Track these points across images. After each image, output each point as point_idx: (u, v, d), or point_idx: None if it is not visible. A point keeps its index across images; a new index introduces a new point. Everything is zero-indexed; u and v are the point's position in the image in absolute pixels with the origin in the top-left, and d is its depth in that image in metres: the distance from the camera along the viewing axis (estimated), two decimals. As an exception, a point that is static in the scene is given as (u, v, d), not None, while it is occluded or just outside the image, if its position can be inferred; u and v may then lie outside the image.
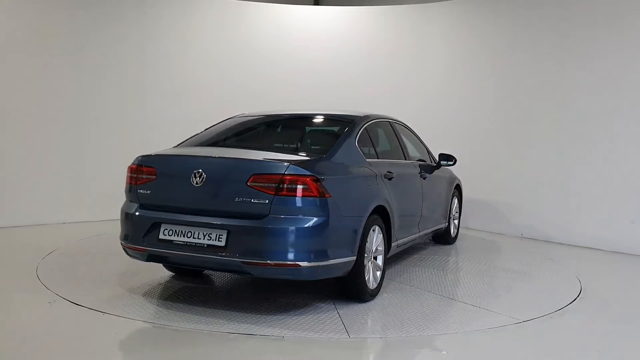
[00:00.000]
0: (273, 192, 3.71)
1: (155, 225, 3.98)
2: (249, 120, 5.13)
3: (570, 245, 7.05)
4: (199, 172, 3.89)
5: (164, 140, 5.75)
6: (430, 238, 6.72)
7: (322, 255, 3.80)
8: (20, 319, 3.90)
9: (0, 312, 4.02)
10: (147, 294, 4.40)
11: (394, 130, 5.48)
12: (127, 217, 4.16)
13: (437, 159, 6.15)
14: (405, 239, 5.14)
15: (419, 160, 5.87)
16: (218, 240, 3.77)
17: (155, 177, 4.08)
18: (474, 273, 5.48)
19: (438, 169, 6.10)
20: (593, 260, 6.42)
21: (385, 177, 4.63)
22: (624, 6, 6.66)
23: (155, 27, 8.06)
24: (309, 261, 3.74)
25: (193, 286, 4.71)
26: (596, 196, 6.89)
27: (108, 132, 7.66)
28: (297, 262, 3.71)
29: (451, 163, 6.08)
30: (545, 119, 7.36)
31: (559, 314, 4.33)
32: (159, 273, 5.02)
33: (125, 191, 4.28)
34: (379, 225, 4.43)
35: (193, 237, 3.84)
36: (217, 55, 8.41)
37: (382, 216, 4.51)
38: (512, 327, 4.01)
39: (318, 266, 3.80)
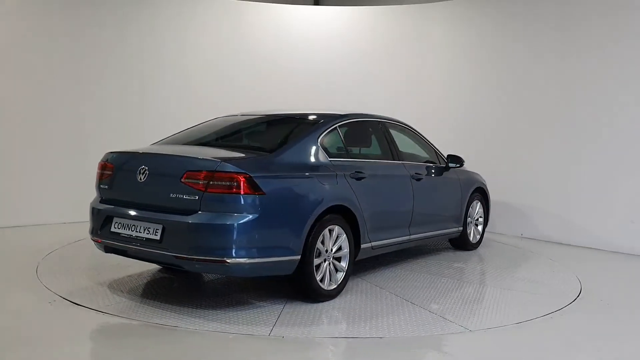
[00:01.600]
0: (203, 189, 3.79)
1: (108, 219, 4.21)
2: (227, 120, 5.21)
3: (570, 245, 7.05)
4: (143, 168, 4.07)
5: (164, 140, 5.73)
6: (450, 243, 6.56)
7: (251, 252, 3.83)
8: (20, 319, 3.90)
9: (1, 312, 4.02)
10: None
11: (383, 130, 5.38)
12: (90, 211, 4.44)
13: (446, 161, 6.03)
14: (386, 241, 5.02)
15: (427, 161, 5.79)
16: (155, 234, 3.91)
17: (111, 173, 4.34)
18: (470, 281, 5.25)
19: (447, 170, 5.96)
20: (593, 260, 6.42)
21: (351, 177, 4.56)
22: (625, 2, 6.65)
23: (154, 27, 8.06)
24: (235, 258, 3.77)
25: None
26: (596, 196, 6.89)
27: (108, 132, 7.65)
28: (223, 259, 3.76)
29: (457, 165, 5.98)
30: (545, 118, 7.36)
31: (559, 314, 4.33)
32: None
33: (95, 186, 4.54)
34: (340, 226, 4.40)
35: (136, 231, 4.02)
36: (217, 55, 8.41)
37: (348, 217, 4.49)
38: (512, 327, 4.01)
39: (246, 263, 3.82)
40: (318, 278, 4.22)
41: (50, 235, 6.42)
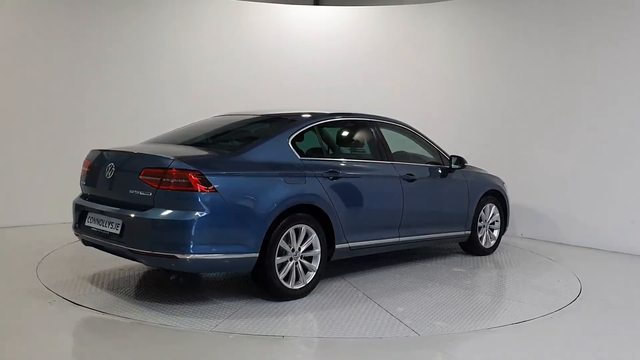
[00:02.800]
0: (157, 186, 3.90)
1: (84, 214, 4.45)
2: (216, 120, 5.25)
3: (570, 245, 7.05)
4: (110, 165, 4.28)
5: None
6: (460, 247, 6.34)
7: (202, 249, 3.88)
8: (20, 319, 3.90)
9: (1, 312, 4.02)
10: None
11: (372, 130, 5.32)
12: (72, 206, 4.65)
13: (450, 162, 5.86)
14: (369, 243, 4.98)
15: (430, 162, 5.71)
16: (116, 229, 4.07)
17: (88, 169, 4.58)
18: (460, 285, 5.01)
19: (451, 172, 5.81)
20: (593, 260, 6.42)
21: (324, 177, 4.55)
22: (626, 1, 6.66)
23: (154, 27, 8.06)
24: (185, 254, 3.84)
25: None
26: (596, 196, 6.89)
27: (108, 132, 7.65)
28: (173, 254, 3.84)
29: (458, 166, 5.81)
30: (545, 118, 7.37)
31: (559, 314, 4.34)
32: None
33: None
34: (310, 225, 4.41)
35: (102, 225, 4.21)
36: (217, 55, 8.41)
37: (321, 216, 4.49)
38: (512, 327, 4.01)
39: (197, 259, 3.88)
40: (281, 277, 4.23)
41: (50, 235, 6.41)
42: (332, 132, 5.13)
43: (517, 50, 7.66)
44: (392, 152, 5.57)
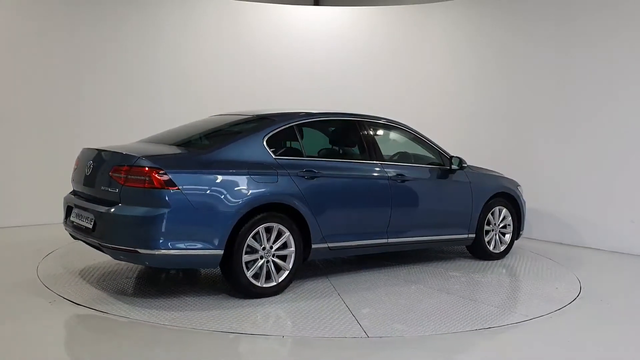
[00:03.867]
0: (123, 182, 4.06)
1: (70, 209, 4.65)
2: (206, 120, 5.28)
3: (570, 245, 7.05)
4: (90, 162, 4.46)
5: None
6: (468, 251, 6.13)
7: (163, 244, 3.97)
8: (20, 319, 3.90)
9: (1, 312, 4.02)
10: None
11: (361, 130, 5.25)
12: (63, 201, 4.85)
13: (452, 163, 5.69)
14: (352, 243, 4.94)
15: (431, 164, 5.60)
16: (90, 223, 4.27)
17: (76, 167, 4.78)
18: (446, 290, 4.82)
19: (452, 173, 5.65)
20: (593, 260, 6.42)
21: (299, 176, 4.54)
22: None
23: (154, 28, 8.05)
24: (147, 249, 3.97)
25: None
26: (596, 196, 6.89)
27: (107, 132, 7.65)
28: (135, 249, 3.99)
29: (457, 167, 5.65)
30: (545, 117, 7.36)
31: (559, 314, 4.34)
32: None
33: None
34: (284, 224, 4.42)
35: (81, 220, 4.41)
36: (216, 56, 8.41)
37: (297, 215, 4.50)
38: (512, 327, 4.01)
39: (159, 254, 3.98)
40: (249, 274, 4.26)
41: (50, 235, 6.41)
42: (314, 132, 5.13)
43: (517, 50, 7.66)
44: (392, 152, 5.53)
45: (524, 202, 6.38)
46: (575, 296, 4.80)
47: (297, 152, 4.82)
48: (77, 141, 7.50)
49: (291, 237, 4.46)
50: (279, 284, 4.44)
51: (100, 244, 4.16)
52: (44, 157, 7.30)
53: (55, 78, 7.38)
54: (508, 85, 7.77)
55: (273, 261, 4.41)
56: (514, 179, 6.42)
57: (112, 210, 4.07)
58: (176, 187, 3.98)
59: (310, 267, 5.41)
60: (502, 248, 6.14)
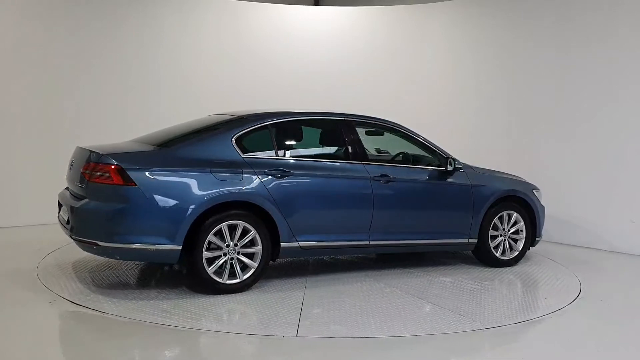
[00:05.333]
0: (88, 178, 4.30)
1: (60, 205, 4.85)
2: (198, 120, 5.29)
3: (570, 245, 7.04)
4: (72, 160, 4.72)
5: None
6: (475, 257, 5.83)
7: (121, 238, 4.16)
8: (20, 319, 3.90)
9: (1, 312, 4.02)
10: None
11: (344, 130, 5.18)
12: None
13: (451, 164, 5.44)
14: (327, 243, 4.89)
15: (428, 165, 5.44)
16: (66, 217, 4.52)
17: (69, 164, 4.90)
18: (418, 295, 4.65)
19: (450, 174, 5.43)
20: (593, 260, 6.42)
21: (267, 174, 4.56)
22: None
23: (153, 27, 8.05)
24: (105, 242, 4.17)
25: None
26: (596, 196, 6.88)
27: (107, 132, 7.63)
28: (95, 241, 4.20)
29: (451, 168, 5.40)
30: (544, 117, 7.36)
31: (559, 314, 4.34)
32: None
33: None
34: (249, 222, 4.45)
35: (64, 214, 4.61)
36: (216, 56, 8.40)
37: (263, 214, 4.53)
38: (512, 327, 4.01)
39: (116, 248, 4.18)
40: (210, 271, 4.34)
41: (50, 235, 6.41)
42: (293, 131, 5.14)
43: (517, 50, 7.65)
44: (382, 152, 5.47)
45: (542, 207, 6.03)
46: (575, 296, 4.80)
47: (270, 152, 4.83)
48: (77, 141, 7.48)
49: (257, 235, 4.49)
50: (243, 281, 4.48)
51: (70, 236, 4.42)
52: (44, 157, 7.30)
53: (55, 78, 7.37)
54: (508, 85, 7.77)
55: (239, 259, 4.47)
56: (531, 183, 6.13)
57: (78, 204, 4.33)
58: (133, 184, 4.14)
59: (303, 265, 5.41)
60: (513, 255, 5.81)
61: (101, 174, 4.20)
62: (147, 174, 4.21)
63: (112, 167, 4.16)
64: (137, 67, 7.93)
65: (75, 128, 7.52)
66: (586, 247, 6.91)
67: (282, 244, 4.63)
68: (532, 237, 5.94)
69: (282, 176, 4.65)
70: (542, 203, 6.07)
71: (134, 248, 4.18)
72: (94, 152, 4.38)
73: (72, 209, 4.37)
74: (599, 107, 6.85)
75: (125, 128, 7.75)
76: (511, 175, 6.11)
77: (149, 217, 4.19)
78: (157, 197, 4.19)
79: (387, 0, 9.34)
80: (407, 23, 8.76)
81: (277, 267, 5.34)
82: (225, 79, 8.40)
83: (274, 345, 3.57)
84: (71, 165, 4.72)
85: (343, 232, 4.98)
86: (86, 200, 4.31)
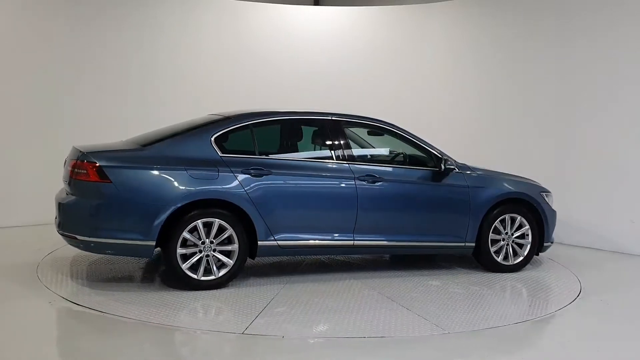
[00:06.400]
0: (71, 175, 4.51)
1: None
2: (189, 120, 5.31)
3: (570, 245, 7.04)
4: (66, 159, 4.80)
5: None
6: (477, 261, 5.59)
7: (97, 233, 4.36)
8: (20, 319, 3.90)
9: (1, 312, 4.02)
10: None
11: (330, 129, 5.16)
12: None
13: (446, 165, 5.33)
14: (308, 242, 4.86)
15: (421, 165, 5.31)
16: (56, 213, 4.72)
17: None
18: (392, 298, 4.54)
19: (444, 175, 5.28)
20: (593, 260, 6.42)
21: (243, 173, 4.61)
22: None
23: (153, 27, 8.04)
24: (83, 235, 4.38)
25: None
26: (596, 196, 6.88)
27: (107, 132, 7.63)
28: (74, 235, 4.43)
29: (441, 169, 5.27)
30: (544, 117, 7.36)
31: (559, 314, 4.34)
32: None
33: None
34: (225, 220, 4.51)
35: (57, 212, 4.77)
36: (216, 56, 8.40)
37: (241, 212, 4.57)
38: (512, 327, 4.01)
39: (93, 242, 4.37)
40: (185, 266, 4.44)
41: (50, 235, 6.40)
42: (273, 131, 5.19)
43: (518, 50, 7.65)
44: (372, 152, 5.46)
45: (551, 211, 5.74)
46: (575, 296, 4.80)
47: (250, 151, 4.87)
48: (76, 141, 7.49)
49: (234, 233, 4.55)
50: (218, 278, 4.55)
51: (58, 231, 4.62)
52: (44, 157, 7.29)
53: (55, 78, 7.37)
54: (509, 85, 7.76)
55: (216, 256, 4.53)
56: (540, 185, 5.87)
57: (64, 200, 4.58)
58: (109, 181, 4.32)
59: (294, 265, 5.42)
60: (517, 260, 5.54)
61: (82, 171, 4.40)
62: (122, 171, 4.38)
63: (90, 164, 4.36)
64: (137, 67, 7.93)
65: (75, 128, 7.51)
66: (586, 247, 6.91)
67: (260, 243, 4.67)
68: (540, 242, 5.65)
69: (260, 175, 4.69)
70: (552, 207, 5.81)
71: (109, 242, 4.36)
72: (77, 150, 4.58)
73: (59, 205, 4.61)
74: (600, 107, 6.85)
75: (125, 128, 7.73)
76: (518, 176, 5.84)
77: (123, 213, 4.37)
78: (131, 194, 4.37)
79: (387, 0, 9.34)
80: (407, 23, 8.76)
81: (269, 265, 5.35)
82: (225, 79, 8.40)
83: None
84: (64, 164, 4.83)
85: (325, 231, 4.94)
86: (70, 196, 4.53)
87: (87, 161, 4.38)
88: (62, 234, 4.59)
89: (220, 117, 5.07)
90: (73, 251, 5.69)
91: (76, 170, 4.44)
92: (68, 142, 7.35)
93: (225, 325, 3.85)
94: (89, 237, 4.36)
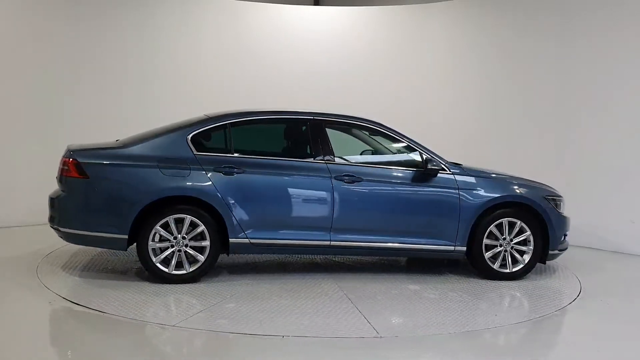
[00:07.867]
0: (60, 172, 4.81)
1: None
2: (181, 121, 5.34)
3: (570, 245, 7.02)
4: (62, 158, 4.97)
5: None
6: (474, 268, 5.32)
7: (75, 225, 4.70)
8: (20, 319, 3.90)
9: (1, 312, 4.02)
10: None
11: (309, 129, 5.14)
12: None
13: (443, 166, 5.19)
14: (280, 241, 4.88)
15: (408, 166, 5.17)
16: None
17: None
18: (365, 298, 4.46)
19: (433, 175, 5.10)
20: (593, 260, 6.42)
21: (216, 171, 4.73)
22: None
23: (153, 27, 8.04)
24: (63, 227, 4.74)
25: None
26: (596, 196, 6.88)
27: (107, 132, 7.62)
28: (57, 227, 4.78)
29: (423, 169, 5.09)
30: (544, 117, 7.36)
31: (559, 314, 4.34)
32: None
33: None
34: (195, 216, 4.67)
35: None
36: (216, 55, 8.40)
37: (211, 209, 4.70)
38: (512, 327, 4.01)
39: (72, 233, 4.71)
40: (156, 260, 4.63)
41: (50, 235, 6.40)
42: (249, 131, 5.26)
43: (518, 50, 7.65)
44: (356, 152, 5.45)
45: (558, 217, 5.38)
46: (575, 296, 4.80)
47: (225, 150, 4.97)
48: (76, 141, 7.50)
49: (206, 230, 4.69)
50: (189, 272, 4.70)
51: (51, 226, 4.90)
52: (44, 157, 7.29)
53: (55, 78, 7.37)
54: (509, 85, 7.77)
55: (188, 252, 4.69)
56: (547, 188, 5.55)
57: (52, 195, 4.89)
58: (87, 176, 4.62)
59: (285, 264, 5.41)
60: (517, 267, 5.22)
61: (66, 167, 4.71)
62: (98, 168, 4.66)
63: (70, 161, 4.67)
64: (136, 67, 7.93)
65: (74, 128, 7.51)
66: (586, 247, 6.91)
67: (231, 240, 4.78)
68: (543, 250, 5.29)
69: (231, 173, 4.78)
70: (562, 212, 5.48)
71: (86, 234, 4.66)
72: (67, 148, 4.86)
73: (49, 199, 4.91)
74: (600, 107, 6.85)
75: (124, 128, 7.72)
76: (522, 179, 5.51)
77: (99, 207, 4.68)
78: (105, 189, 4.67)
79: (387, 0, 9.34)
80: (407, 23, 8.76)
81: (250, 263, 5.34)
82: (225, 79, 8.40)
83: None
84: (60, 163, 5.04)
85: (299, 230, 4.95)
86: (60, 192, 4.82)
87: (70, 158, 4.69)
88: (52, 228, 4.86)
89: (203, 117, 5.16)
90: (72, 251, 5.70)
91: (63, 166, 4.76)
92: (68, 142, 7.34)
93: (167, 318, 3.92)
94: (69, 229, 4.70)
